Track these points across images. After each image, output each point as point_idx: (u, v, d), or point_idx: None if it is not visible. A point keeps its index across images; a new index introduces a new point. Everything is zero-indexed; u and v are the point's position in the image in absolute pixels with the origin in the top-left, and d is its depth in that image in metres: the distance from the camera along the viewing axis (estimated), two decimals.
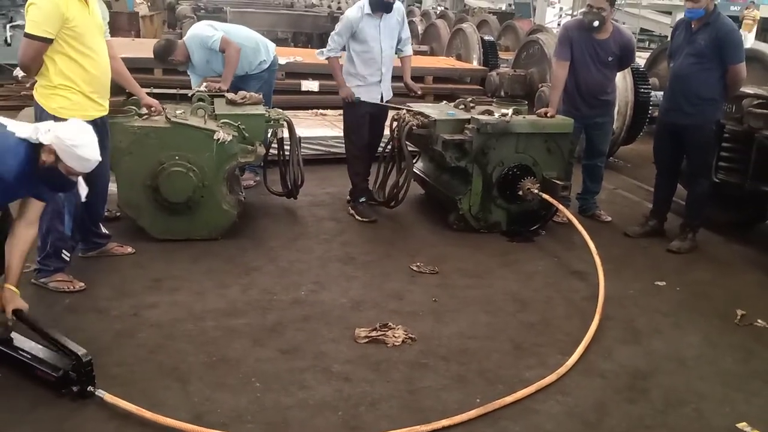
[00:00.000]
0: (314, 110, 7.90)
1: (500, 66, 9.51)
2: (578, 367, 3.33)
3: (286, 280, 4.13)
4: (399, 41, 5.37)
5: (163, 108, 4.48)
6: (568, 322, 3.82)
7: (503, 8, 23.48)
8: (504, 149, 4.90)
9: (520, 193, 4.87)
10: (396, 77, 5.45)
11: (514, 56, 9.08)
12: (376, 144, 5.54)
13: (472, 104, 5.33)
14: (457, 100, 5.47)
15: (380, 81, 5.24)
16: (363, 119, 5.26)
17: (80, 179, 3.41)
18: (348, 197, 5.49)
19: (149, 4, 14.82)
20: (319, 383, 3.08)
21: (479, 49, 9.96)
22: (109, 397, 2.77)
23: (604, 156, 5.68)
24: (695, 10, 4.66)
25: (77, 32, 3.53)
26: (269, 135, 5.20)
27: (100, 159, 3.06)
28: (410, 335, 3.52)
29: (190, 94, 5.16)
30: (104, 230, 4.33)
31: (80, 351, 2.82)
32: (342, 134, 5.55)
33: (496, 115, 4.97)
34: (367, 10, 5.07)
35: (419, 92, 5.71)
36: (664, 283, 4.42)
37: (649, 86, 7.13)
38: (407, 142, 5.11)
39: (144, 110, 4.43)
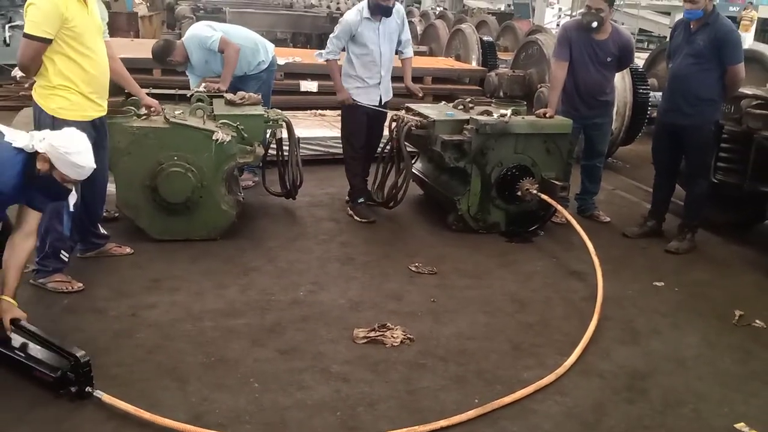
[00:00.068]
0: (313, 111, 7.90)
1: (499, 66, 9.51)
2: (577, 367, 3.33)
3: (284, 281, 4.13)
4: (399, 43, 5.36)
5: (162, 108, 4.48)
6: (567, 322, 3.82)
7: (502, 9, 23.50)
8: (503, 150, 4.90)
9: (519, 193, 4.88)
10: (396, 78, 5.45)
11: (513, 57, 9.08)
12: (375, 145, 5.54)
13: (471, 105, 5.33)
14: (456, 101, 5.47)
15: (379, 83, 5.23)
16: (361, 121, 5.25)
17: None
18: (347, 198, 5.49)
19: (148, 4, 14.81)
20: (318, 383, 3.09)
21: (478, 50, 9.96)
22: (107, 398, 2.77)
23: (603, 156, 5.68)
24: (694, 11, 4.66)
25: (76, 32, 3.52)
26: (268, 135, 5.20)
27: (94, 166, 3.08)
28: (409, 336, 3.52)
29: (188, 95, 5.16)
30: (103, 231, 4.32)
31: (79, 353, 2.82)
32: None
33: (495, 115, 4.97)
34: (366, 14, 5.04)
35: (421, 94, 5.69)
36: (663, 283, 4.42)
37: (648, 87, 7.14)
38: (406, 143, 5.11)
39: (143, 110, 4.43)
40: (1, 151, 2.91)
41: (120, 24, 11.91)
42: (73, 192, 3.58)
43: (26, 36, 3.45)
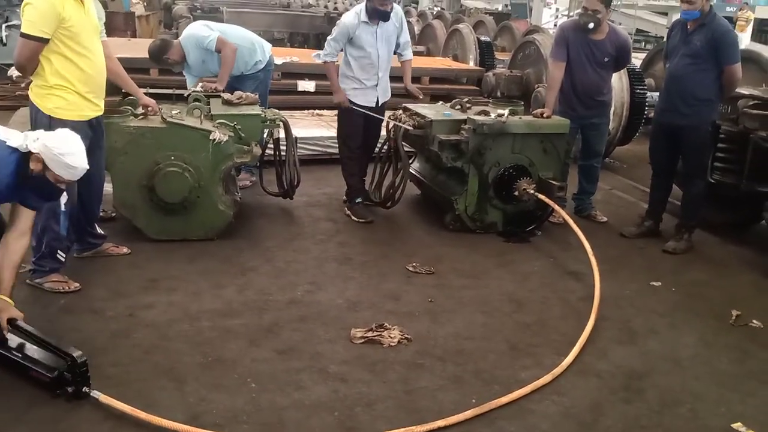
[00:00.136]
0: (310, 110, 7.89)
1: (496, 66, 9.49)
2: (574, 367, 3.33)
3: (282, 281, 4.13)
4: (398, 46, 5.34)
5: (159, 108, 4.47)
6: (564, 322, 3.83)
7: (500, 9, 23.50)
8: (500, 150, 4.90)
9: (516, 193, 4.88)
10: (396, 78, 5.44)
11: (510, 57, 9.08)
12: (373, 145, 5.53)
13: (468, 105, 5.33)
14: (454, 101, 5.47)
15: (377, 85, 5.22)
16: (358, 123, 5.24)
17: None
18: (344, 198, 5.49)
19: (145, 3, 14.82)
20: (315, 384, 3.08)
21: (476, 50, 9.95)
22: (104, 398, 2.77)
23: (600, 156, 5.69)
24: (691, 11, 4.67)
25: (73, 32, 3.52)
26: (265, 135, 5.20)
27: (87, 167, 3.07)
28: (406, 336, 3.52)
29: (186, 95, 5.15)
30: (100, 230, 4.32)
31: (76, 353, 2.81)
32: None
33: (493, 115, 4.98)
34: (364, 17, 5.02)
35: (421, 96, 5.66)
36: (660, 283, 4.42)
37: (645, 87, 7.15)
38: (403, 143, 5.11)
39: (140, 110, 4.42)
40: None
41: (117, 23, 11.91)
42: (64, 192, 3.59)
43: (23, 35, 3.45)
